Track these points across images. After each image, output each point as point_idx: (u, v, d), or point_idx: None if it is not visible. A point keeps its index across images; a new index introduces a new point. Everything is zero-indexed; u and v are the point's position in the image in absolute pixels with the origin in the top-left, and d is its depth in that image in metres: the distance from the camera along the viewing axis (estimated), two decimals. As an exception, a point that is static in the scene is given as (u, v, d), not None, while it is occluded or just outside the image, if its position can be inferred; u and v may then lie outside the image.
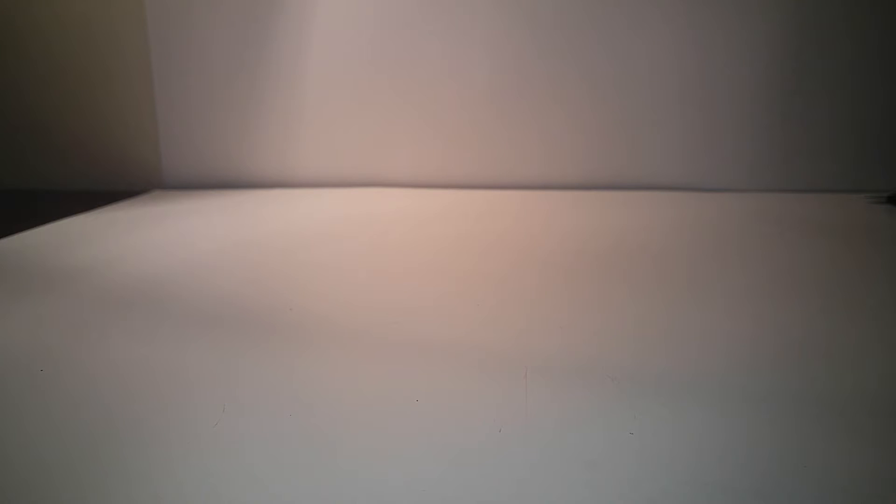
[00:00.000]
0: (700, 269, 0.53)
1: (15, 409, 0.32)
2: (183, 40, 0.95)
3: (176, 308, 0.46)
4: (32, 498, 0.25)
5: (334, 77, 0.94)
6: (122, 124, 1.00)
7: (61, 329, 0.42)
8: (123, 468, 0.27)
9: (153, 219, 0.77)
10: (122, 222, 0.76)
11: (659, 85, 0.88)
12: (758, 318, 0.42)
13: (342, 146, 0.96)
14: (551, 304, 0.45)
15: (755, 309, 0.44)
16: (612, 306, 0.45)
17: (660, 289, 0.48)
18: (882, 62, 0.83)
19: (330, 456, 0.27)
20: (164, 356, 0.38)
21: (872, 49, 0.83)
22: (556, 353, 0.37)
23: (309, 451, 0.28)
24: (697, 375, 0.34)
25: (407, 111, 0.94)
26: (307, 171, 0.97)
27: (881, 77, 0.83)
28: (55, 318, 0.44)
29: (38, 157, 1.03)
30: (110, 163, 1.01)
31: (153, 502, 0.24)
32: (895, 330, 0.40)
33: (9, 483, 0.26)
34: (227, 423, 0.30)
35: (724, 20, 0.85)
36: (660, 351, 0.37)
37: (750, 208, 0.76)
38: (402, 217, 0.75)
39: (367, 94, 0.94)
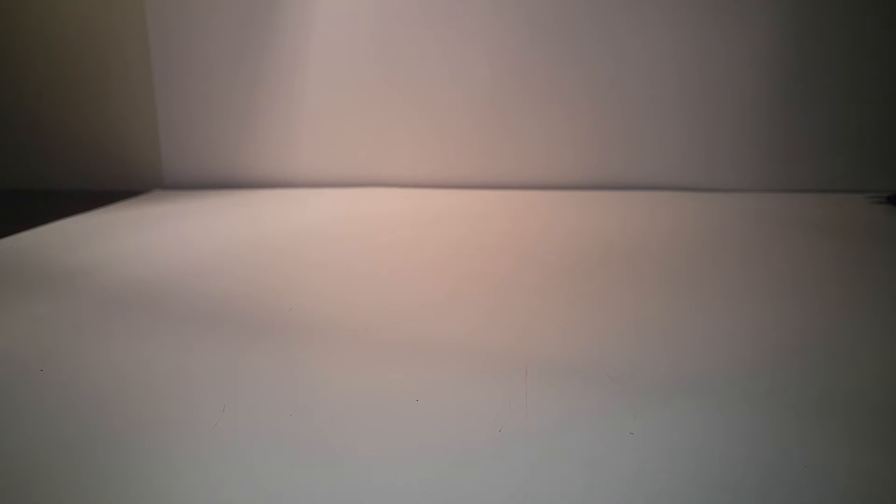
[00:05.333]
0: (700, 269, 0.53)
1: (15, 409, 0.32)
2: (183, 40, 0.95)
3: (176, 308, 0.46)
4: (32, 498, 0.25)
5: (334, 77, 0.94)
6: (122, 124, 1.00)
7: (61, 329, 0.42)
8: (123, 468, 0.27)
9: (153, 219, 0.77)
10: (122, 222, 0.76)
11: (659, 85, 0.88)
12: (758, 318, 0.42)
13: (342, 146, 0.96)
14: (551, 304, 0.45)
15: (755, 309, 0.44)
16: (613, 306, 0.45)
17: (660, 288, 0.48)
18: (882, 62, 0.83)
19: (330, 456, 0.27)
20: (164, 356, 0.38)
21: (872, 49, 0.83)
22: (556, 353, 0.37)
23: (309, 450, 0.28)
24: (697, 375, 0.34)
25: (407, 111, 0.94)
26: (307, 171, 0.97)
27: (881, 77, 0.83)
28: (55, 318, 0.44)
29: (38, 157, 1.03)
30: (110, 163, 1.01)
31: (153, 502, 0.24)
32: (895, 330, 0.40)
33: (9, 483, 0.26)
34: (227, 423, 0.30)
35: (724, 20, 0.85)
36: (660, 351, 0.37)
37: (750, 208, 0.76)
38: (402, 217, 0.75)
39: (367, 93, 0.94)
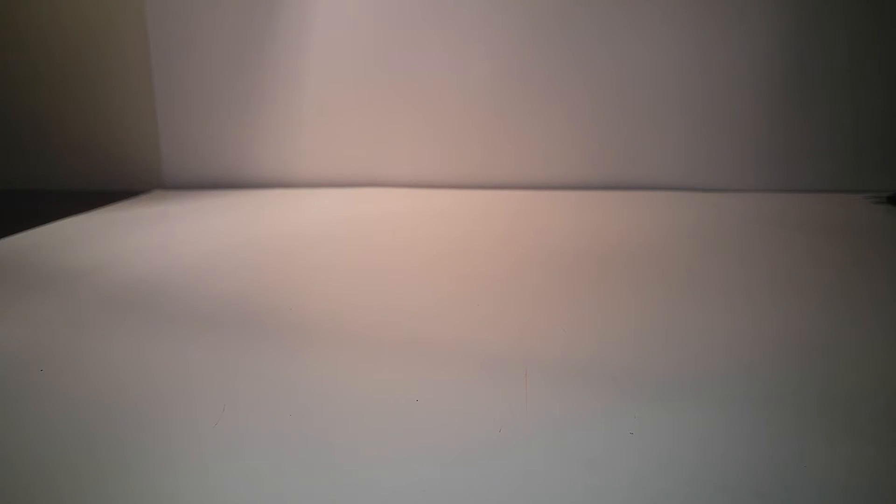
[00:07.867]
0: (700, 269, 0.53)
1: (15, 409, 0.32)
2: (183, 40, 0.95)
3: (176, 308, 0.46)
4: (32, 498, 0.25)
5: (334, 77, 0.94)
6: (122, 124, 1.00)
7: (61, 329, 0.42)
8: (123, 468, 0.27)
9: (153, 219, 0.77)
10: (122, 222, 0.76)
11: (659, 85, 0.88)
12: (758, 318, 0.42)
13: (342, 146, 0.96)
14: (551, 304, 0.45)
15: (755, 309, 0.44)
16: (613, 306, 0.45)
17: (660, 289, 0.48)
18: (882, 62, 0.83)
19: (330, 456, 0.27)
20: (165, 356, 0.38)
21: (872, 49, 0.83)
22: (556, 353, 0.37)
23: (309, 451, 0.28)
24: (697, 375, 0.34)
25: (407, 111, 0.94)
26: (307, 171, 0.97)
27: (881, 77, 0.83)
28: (55, 318, 0.44)
29: (38, 157, 1.03)
30: (110, 163, 1.01)
31: (153, 502, 0.24)
32: (895, 330, 0.40)
33: (9, 483, 0.26)
34: (227, 423, 0.30)
35: (724, 20, 0.85)
36: (660, 351, 0.37)
37: (750, 208, 0.76)
38: (402, 217, 0.75)
39: (367, 93, 0.94)
